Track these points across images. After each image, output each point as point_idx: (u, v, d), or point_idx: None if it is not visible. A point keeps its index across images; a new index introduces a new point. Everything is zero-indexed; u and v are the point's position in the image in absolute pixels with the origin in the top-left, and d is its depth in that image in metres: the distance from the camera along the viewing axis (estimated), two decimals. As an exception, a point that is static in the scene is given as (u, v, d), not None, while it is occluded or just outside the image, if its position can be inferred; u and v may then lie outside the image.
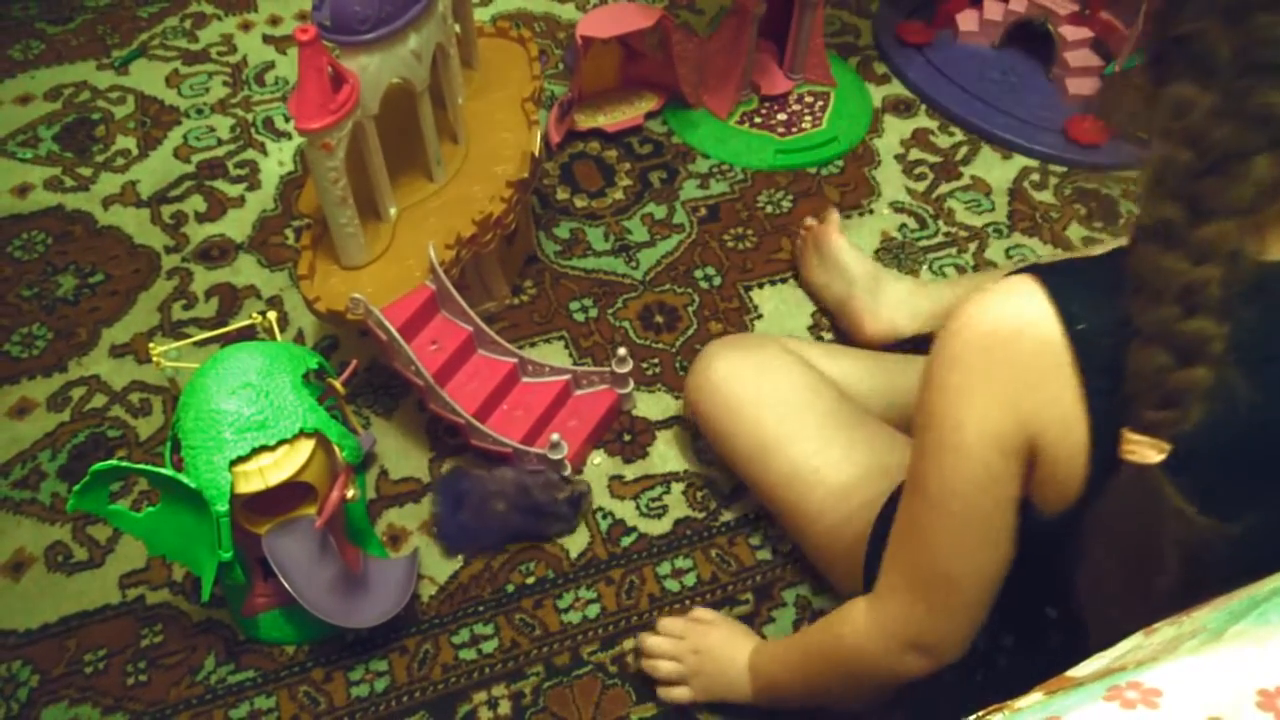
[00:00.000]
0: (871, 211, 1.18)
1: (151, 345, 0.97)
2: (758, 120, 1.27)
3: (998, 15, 1.34)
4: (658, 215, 1.17)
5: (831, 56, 1.33)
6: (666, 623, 0.83)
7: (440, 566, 0.89)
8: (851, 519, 0.77)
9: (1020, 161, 1.24)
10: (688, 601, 0.87)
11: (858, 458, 0.79)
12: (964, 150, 1.25)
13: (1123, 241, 0.51)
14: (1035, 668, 0.46)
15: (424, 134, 0.92)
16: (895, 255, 1.14)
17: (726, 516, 0.92)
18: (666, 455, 0.97)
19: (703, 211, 1.18)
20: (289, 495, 0.76)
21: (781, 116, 1.27)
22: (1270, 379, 0.47)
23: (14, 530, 0.92)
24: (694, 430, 0.98)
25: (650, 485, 0.94)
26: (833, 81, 1.30)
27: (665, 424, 0.99)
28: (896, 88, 1.33)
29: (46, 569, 0.89)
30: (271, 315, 0.94)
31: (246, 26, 1.41)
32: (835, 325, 1.06)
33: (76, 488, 0.71)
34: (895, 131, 1.27)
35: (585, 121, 1.25)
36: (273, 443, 0.73)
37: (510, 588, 0.88)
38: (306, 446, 0.75)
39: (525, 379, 0.96)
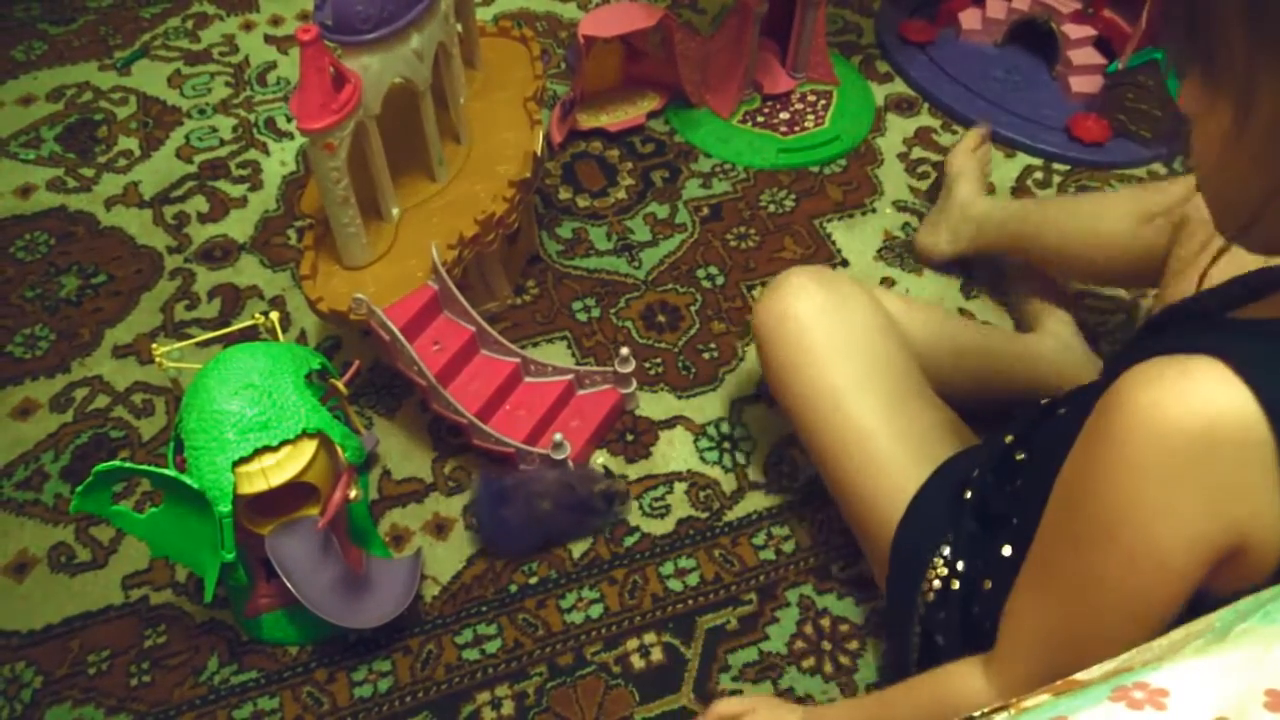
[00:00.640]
0: (874, 210, 1.18)
1: (154, 346, 0.97)
2: (760, 119, 1.26)
3: (1000, 13, 1.33)
4: (660, 215, 1.17)
5: (834, 55, 1.33)
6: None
7: (443, 566, 0.89)
8: (894, 499, 0.73)
9: (1023, 160, 1.24)
10: (690, 601, 0.87)
11: (915, 436, 0.76)
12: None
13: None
14: None
15: (426, 134, 0.92)
16: (898, 254, 1.14)
17: (729, 516, 0.92)
18: (669, 455, 0.97)
19: (705, 211, 1.18)
20: (291, 496, 0.76)
21: (784, 115, 1.27)
22: None
23: (17, 531, 0.92)
24: (696, 430, 0.98)
25: (653, 485, 0.94)
26: (835, 80, 1.30)
27: (668, 424, 0.99)
28: (899, 86, 1.33)
29: (49, 570, 0.89)
30: (274, 315, 0.94)
31: (248, 27, 1.41)
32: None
33: (79, 488, 0.71)
34: (898, 130, 1.27)
35: (587, 121, 1.25)
36: (275, 443, 0.73)
37: (513, 588, 0.88)
38: (309, 447, 0.75)
39: (528, 379, 0.96)
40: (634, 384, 0.98)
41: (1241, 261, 0.52)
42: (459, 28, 0.97)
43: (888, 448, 0.76)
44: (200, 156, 1.24)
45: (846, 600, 0.87)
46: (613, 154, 1.24)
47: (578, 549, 0.90)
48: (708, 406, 1.00)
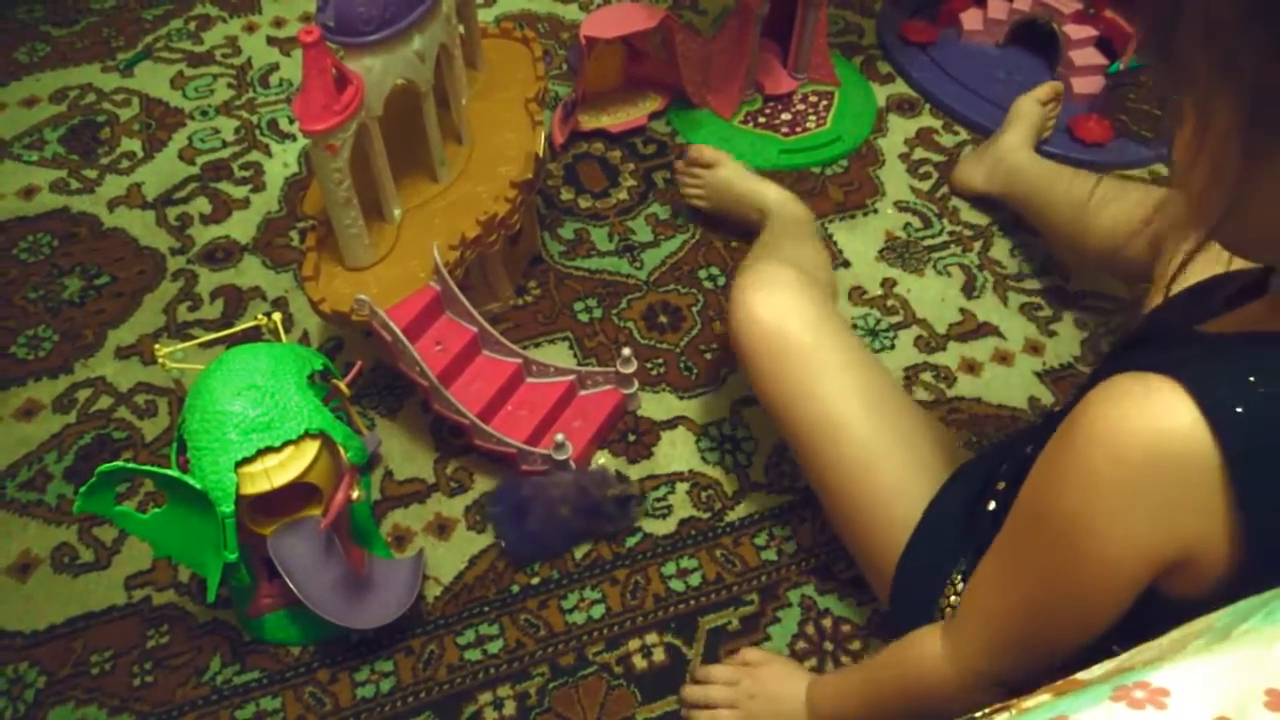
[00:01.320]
0: (876, 211, 1.18)
1: (157, 347, 0.98)
2: (762, 120, 1.27)
3: (1002, 14, 1.33)
4: (661, 215, 1.17)
5: (835, 56, 1.33)
6: (715, 670, 0.80)
7: (445, 567, 0.89)
8: (893, 524, 0.74)
9: (1025, 160, 1.24)
10: (692, 601, 0.87)
11: (905, 448, 0.76)
12: (968, 149, 1.24)
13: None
14: None
15: (428, 135, 0.93)
16: (899, 254, 1.14)
17: (731, 517, 0.92)
18: (671, 455, 0.97)
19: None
20: (294, 496, 0.76)
21: (785, 116, 1.27)
22: None
23: (20, 532, 0.92)
24: (698, 430, 0.98)
25: (655, 485, 0.94)
26: (836, 81, 1.30)
27: (670, 424, 0.99)
28: (900, 87, 1.33)
29: (53, 570, 0.89)
30: (276, 316, 0.94)
31: (251, 28, 1.41)
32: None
33: (83, 489, 0.71)
34: (899, 131, 1.27)
35: (589, 122, 1.25)
36: (278, 444, 0.73)
37: (515, 588, 0.88)
38: (311, 448, 0.75)
39: (530, 379, 0.96)
40: (636, 384, 0.98)
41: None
42: (461, 29, 0.97)
43: (885, 473, 0.75)
44: (203, 158, 1.24)
45: (848, 600, 0.87)
46: (614, 155, 1.24)
47: (579, 549, 0.90)
48: (709, 407, 1.00)
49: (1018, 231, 1.16)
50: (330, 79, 0.78)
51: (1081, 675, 0.42)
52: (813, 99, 1.29)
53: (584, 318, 1.07)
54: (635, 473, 0.95)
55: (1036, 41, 1.33)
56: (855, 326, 1.06)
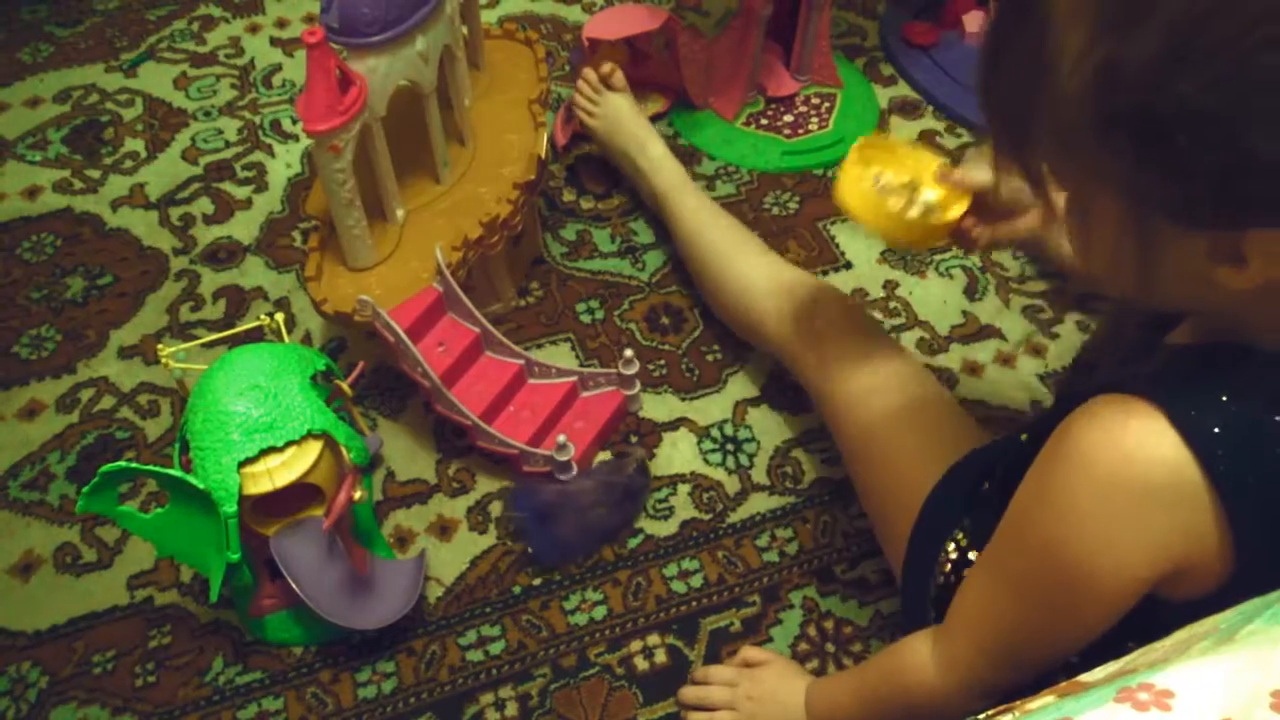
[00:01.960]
0: (878, 213, 1.18)
1: (160, 347, 0.97)
2: (764, 122, 1.27)
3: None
4: (664, 217, 1.17)
5: (838, 58, 1.33)
6: (715, 671, 0.81)
7: (447, 568, 0.89)
8: (915, 491, 0.76)
9: (1027, 163, 1.24)
10: (693, 603, 0.87)
11: (934, 432, 0.79)
12: (971, 150, 1.24)
13: None
14: None
15: (431, 136, 0.93)
16: (901, 257, 1.14)
17: (733, 518, 0.92)
18: (673, 457, 0.97)
19: (709, 213, 1.17)
20: (296, 497, 0.76)
21: (788, 118, 1.27)
22: None
23: (23, 531, 0.92)
24: (700, 432, 0.98)
25: (657, 487, 0.94)
26: (839, 83, 1.30)
27: (672, 425, 0.99)
28: (903, 89, 1.33)
29: (55, 570, 0.89)
30: (279, 317, 0.94)
31: (254, 29, 1.41)
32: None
33: (85, 489, 0.71)
34: (902, 133, 1.27)
35: (591, 123, 1.25)
36: (280, 444, 0.73)
37: (517, 589, 0.88)
38: (314, 448, 0.75)
39: (532, 380, 0.96)
40: (638, 386, 0.98)
41: None
42: (464, 30, 0.98)
43: (912, 443, 0.79)
44: (206, 158, 1.24)
45: (850, 602, 0.87)
46: (617, 156, 1.24)
47: (525, 552, 0.90)
48: (711, 408, 1.00)
49: (1020, 234, 1.16)
50: (334, 80, 0.78)
51: (1085, 677, 0.42)
52: (815, 101, 1.29)
53: (586, 319, 1.07)
54: (637, 474, 0.95)
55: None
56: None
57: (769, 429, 0.98)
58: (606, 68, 1.14)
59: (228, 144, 1.26)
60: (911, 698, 0.65)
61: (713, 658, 0.84)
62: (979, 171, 0.75)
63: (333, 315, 0.88)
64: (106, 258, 1.14)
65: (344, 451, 0.77)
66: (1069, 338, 1.06)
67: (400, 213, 0.94)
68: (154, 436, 0.98)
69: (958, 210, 0.76)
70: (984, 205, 0.75)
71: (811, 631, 0.85)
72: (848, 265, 1.13)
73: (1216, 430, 0.46)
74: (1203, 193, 0.41)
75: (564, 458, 0.90)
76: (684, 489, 0.94)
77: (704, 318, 1.08)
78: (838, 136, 1.25)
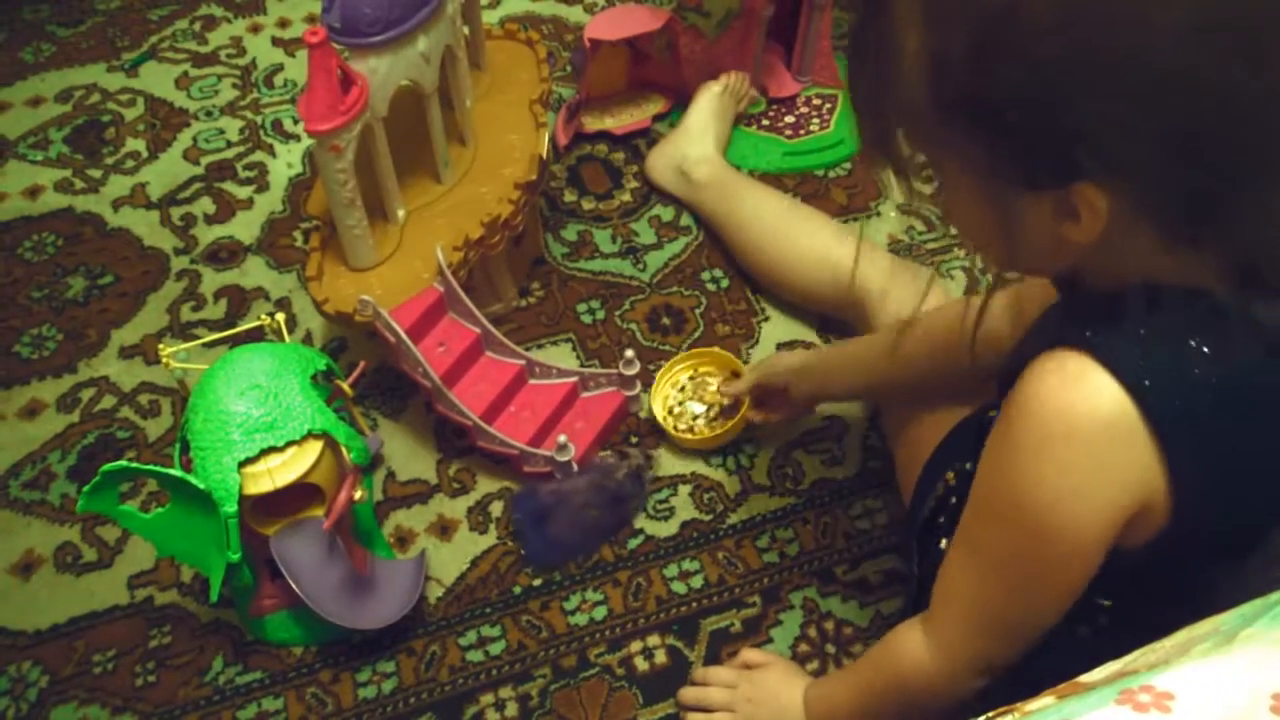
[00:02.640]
0: (879, 214, 1.18)
1: (161, 346, 0.98)
2: (765, 123, 1.27)
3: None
4: (665, 217, 1.17)
5: (839, 59, 1.33)
6: (715, 672, 0.81)
7: (447, 568, 0.89)
8: (924, 438, 0.79)
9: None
10: (694, 603, 0.87)
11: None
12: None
13: None
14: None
15: (432, 136, 0.93)
16: (902, 258, 1.13)
17: (733, 519, 0.92)
18: (673, 457, 0.97)
19: (710, 214, 1.17)
20: (297, 496, 0.76)
21: (789, 119, 1.27)
22: None
23: (23, 531, 0.92)
24: (701, 432, 0.98)
25: (657, 487, 0.94)
26: (840, 84, 1.30)
27: (672, 426, 0.99)
28: (904, 90, 1.33)
29: (56, 570, 0.89)
30: (280, 317, 0.94)
31: (256, 29, 1.41)
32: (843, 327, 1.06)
33: (86, 488, 0.71)
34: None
35: (592, 124, 1.25)
36: (281, 444, 0.73)
37: (517, 589, 0.88)
38: (315, 448, 0.75)
39: (533, 381, 0.96)
40: (638, 386, 0.98)
41: None
42: (465, 30, 0.98)
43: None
44: (207, 158, 1.24)
45: (850, 603, 0.87)
46: (618, 157, 1.24)
47: (520, 555, 0.90)
48: (712, 409, 1.00)
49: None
50: (335, 80, 0.78)
51: (1085, 678, 0.42)
52: (816, 101, 1.29)
53: (587, 319, 1.07)
54: (638, 474, 0.95)
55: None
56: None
57: (769, 429, 0.98)
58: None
59: (229, 144, 1.26)
60: (908, 685, 0.66)
61: (713, 659, 0.84)
62: (739, 384, 0.94)
63: (334, 315, 0.88)
64: (108, 257, 1.14)
65: (344, 451, 0.77)
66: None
67: (401, 213, 0.94)
68: (155, 436, 0.98)
69: (738, 416, 0.94)
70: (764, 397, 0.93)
71: (812, 633, 0.85)
72: (849, 266, 1.13)
73: (1141, 364, 0.49)
74: (1032, 158, 0.47)
75: (564, 458, 0.90)
76: (684, 489, 0.94)
77: (704, 319, 1.08)
78: (839, 137, 1.24)
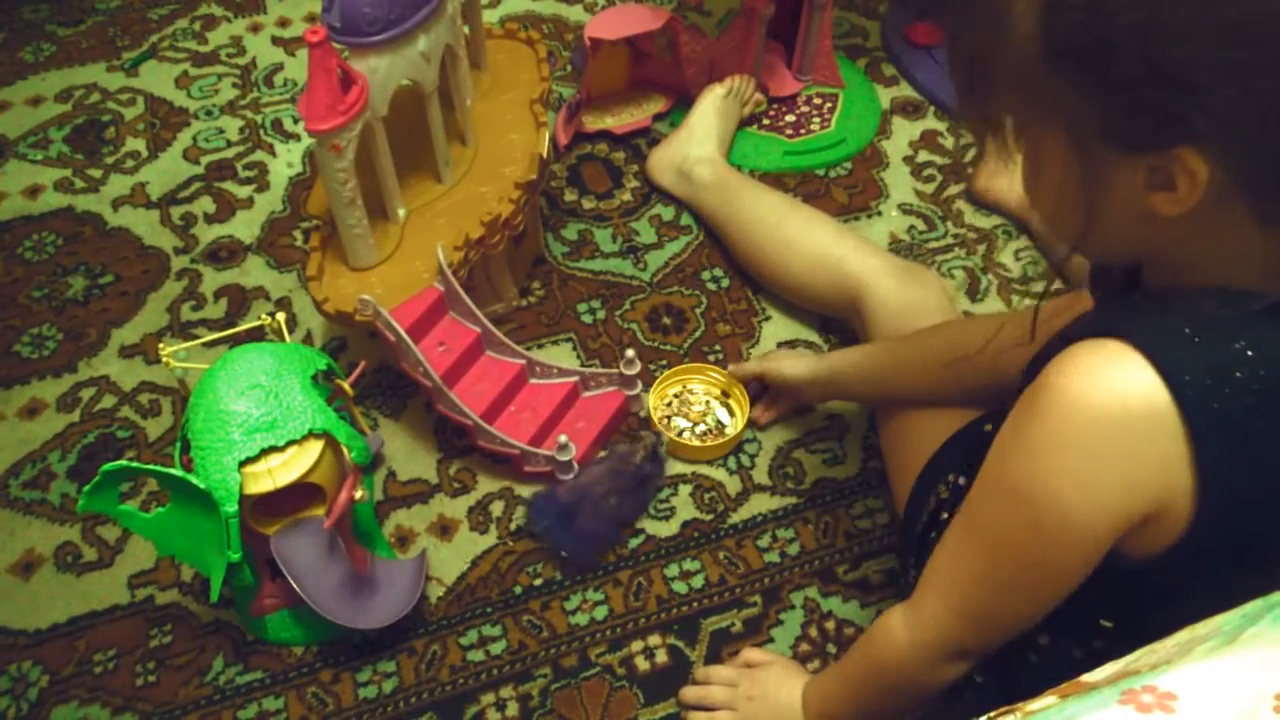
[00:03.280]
0: (880, 213, 1.18)
1: (161, 346, 0.98)
2: (766, 122, 1.26)
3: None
4: (665, 217, 1.17)
5: (840, 58, 1.33)
6: (715, 671, 0.81)
7: (448, 568, 0.89)
8: (918, 448, 0.79)
9: (1029, 163, 1.24)
10: (695, 603, 0.87)
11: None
12: (972, 152, 1.24)
13: None
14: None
15: (433, 135, 0.93)
16: (903, 257, 1.13)
17: (734, 519, 0.92)
18: (674, 457, 0.96)
19: (711, 213, 1.17)
20: (297, 496, 0.76)
21: (790, 118, 1.27)
22: None
23: (24, 530, 0.92)
24: (702, 432, 0.98)
25: (658, 487, 0.94)
26: (841, 83, 1.30)
27: (673, 426, 0.99)
28: (905, 89, 1.33)
29: (56, 569, 0.89)
30: (280, 316, 0.94)
31: (256, 28, 1.41)
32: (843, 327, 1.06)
33: (86, 488, 0.71)
34: (904, 133, 1.27)
35: (593, 123, 1.25)
36: (282, 443, 0.73)
37: (518, 589, 0.88)
38: (315, 447, 0.75)
39: (533, 380, 0.96)
40: (639, 386, 0.98)
41: None
42: (466, 30, 0.98)
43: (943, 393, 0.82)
44: (207, 158, 1.24)
45: (851, 603, 0.87)
46: (618, 156, 1.24)
47: (557, 559, 0.90)
48: (713, 409, 1.00)
49: (1021, 235, 1.16)
50: (335, 79, 0.78)
51: (1088, 677, 0.42)
52: (817, 101, 1.29)
53: (587, 319, 1.07)
54: (638, 474, 0.95)
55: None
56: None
57: (770, 429, 0.98)
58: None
59: (229, 143, 1.26)
60: (885, 666, 0.66)
61: (714, 658, 0.84)
62: (745, 367, 0.97)
63: (334, 315, 0.88)
64: (108, 257, 1.14)
65: (345, 451, 0.77)
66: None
67: (402, 212, 0.94)
68: (155, 436, 0.98)
69: (735, 427, 0.96)
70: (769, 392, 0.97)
71: (813, 632, 0.85)
72: (849, 265, 1.12)
73: (1184, 359, 0.48)
74: (1139, 113, 0.45)
75: (565, 458, 0.90)
76: (685, 489, 0.94)
77: (705, 318, 1.07)
78: (840, 136, 1.24)
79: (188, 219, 1.18)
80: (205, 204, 1.19)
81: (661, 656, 0.84)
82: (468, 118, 0.98)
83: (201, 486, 0.71)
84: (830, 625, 0.86)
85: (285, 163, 1.24)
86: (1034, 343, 0.62)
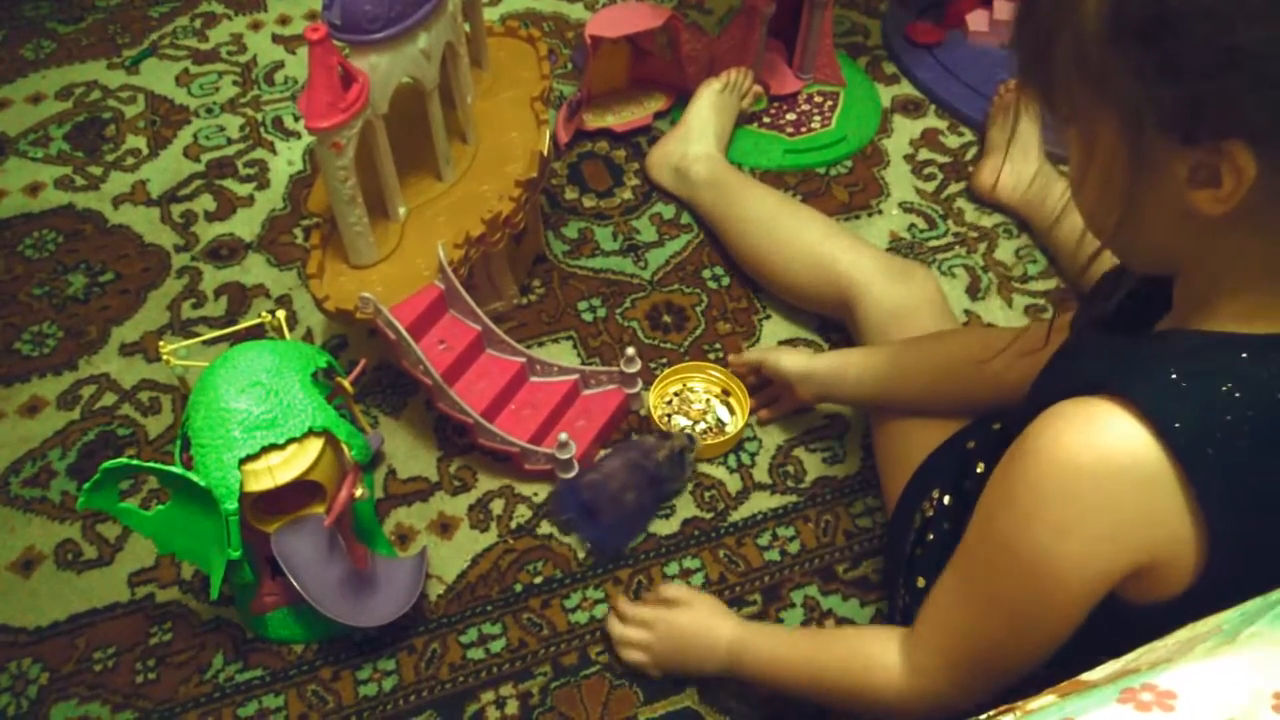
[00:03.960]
0: (880, 212, 1.18)
1: (161, 344, 0.97)
2: (766, 120, 1.26)
3: (1008, 15, 1.33)
4: (666, 215, 1.17)
5: (841, 56, 1.32)
6: (634, 610, 0.82)
7: (448, 565, 0.89)
8: (908, 456, 0.79)
9: (1030, 162, 1.23)
10: (696, 602, 0.87)
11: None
12: (973, 150, 1.24)
13: None
14: None
15: (433, 133, 0.93)
16: (904, 255, 1.13)
17: (735, 517, 0.92)
18: (675, 455, 0.97)
19: (711, 211, 1.17)
20: (297, 494, 0.76)
21: (790, 116, 1.27)
22: None
23: (24, 528, 0.92)
24: (702, 430, 0.98)
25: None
26: (842, 81, 1.30)
27: (673, 424, 0.99)
28: (906, 88, 1.33)
29: (56, 567, 0.89)
30: (280, 314, 0.94)
31: (256, 26, 1.41)
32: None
33: (86, 485, 0.71)
34: (904, 132, 1.27)
35: (594, 121, 1.25)
36: (282, 441, 0.73)
37: (518, 587, 0.88)
38: (315, 445, 0.75)
39: (533, 378, 0.96)
40: (639, 384, 0.98)
41: None
42: (466, 27, 0.98)
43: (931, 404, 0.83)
44: (208, 155, 1.24)
45: (851, 602, 0.87)
46: (619, 154, 1.24)
47: (582, 549, 0.90)
48: (713, 407, 1.00)
49: (1022, 233, 1.15)
50: (336, 76, 0.78)
51: (1087, 676, 0.41)
52: (818, 99, 1.29)
53: (588, 317, 1.07)
54: (639, 472, 0.95)
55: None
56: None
57: (771, 427, 0.98)
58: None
59: (230, 141, 1.26)
60: (874, 693, 0.65)
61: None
62: (744, 356, 0.97)
63: (334, 312, 0.88)
64: (108, 254, 1.14)
65: (345, 449, 0.77)
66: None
67: (402, 210, 0.94)
68: (155, 433, 0.98)
69: (735, 425, 0.96)
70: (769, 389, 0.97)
71: (812, 630, 0.85)
72: (850, 264, 1.12)
73: (1173, 409, 0.47)
74: (1196, 96, 0.44)
75: (565, 456, 0.90)
76: (686, 488, 0.94)
77: (706, 316, 1.07)
78: (840, 135, 1.24)
79: (188, 217, 1.18)
80: (206, 202, 1.19)
81: (661, 655, 0.84)
82: (468, 115, 0.98)
83: (202, 484, 0.71)
84: (830, 624, 0.86)
85: (286, 160, 1.24)
86: (1043, 351, 0.62)
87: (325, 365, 0.82)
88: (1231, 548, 0.48)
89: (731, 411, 0.98)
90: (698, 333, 1.06)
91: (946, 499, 0.73)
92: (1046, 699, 0.39)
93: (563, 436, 0.90)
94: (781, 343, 1.05)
